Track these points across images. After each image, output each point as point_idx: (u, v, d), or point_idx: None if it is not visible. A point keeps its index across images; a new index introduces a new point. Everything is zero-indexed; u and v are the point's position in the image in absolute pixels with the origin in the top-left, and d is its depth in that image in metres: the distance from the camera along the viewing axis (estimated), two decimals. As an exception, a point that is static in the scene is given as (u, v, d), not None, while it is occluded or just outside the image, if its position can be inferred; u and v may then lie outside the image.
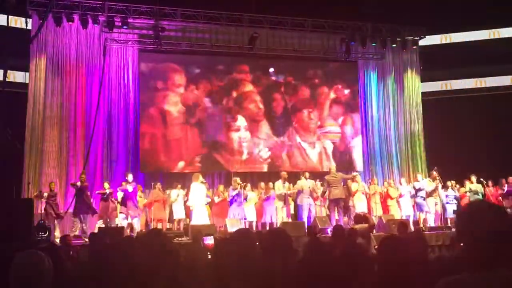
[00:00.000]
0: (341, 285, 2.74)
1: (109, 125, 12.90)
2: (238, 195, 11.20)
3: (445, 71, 15.98)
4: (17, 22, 12.41)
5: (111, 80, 13.06)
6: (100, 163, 12.62)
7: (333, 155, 14.56)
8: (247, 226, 10.81)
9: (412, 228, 10.10)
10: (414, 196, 12.38)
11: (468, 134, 14.37)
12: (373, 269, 2.73)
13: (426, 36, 15.49)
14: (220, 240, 6.49)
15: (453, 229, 10.88)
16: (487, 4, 14.17)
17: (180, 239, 9.75)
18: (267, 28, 14.02)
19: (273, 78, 14.58)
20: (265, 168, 13.93)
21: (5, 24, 10.93)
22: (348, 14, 14.18)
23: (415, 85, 15.59)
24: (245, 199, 11.50)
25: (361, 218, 8.42)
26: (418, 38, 15.45)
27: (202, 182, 11.02)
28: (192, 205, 10.85)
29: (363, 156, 14.87)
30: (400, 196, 12.53)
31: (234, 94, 14.11)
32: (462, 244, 1.57)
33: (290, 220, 11.73)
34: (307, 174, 12.00)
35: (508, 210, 10.25)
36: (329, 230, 9.85)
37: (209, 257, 4.25)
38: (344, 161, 14.56)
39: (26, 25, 11.84)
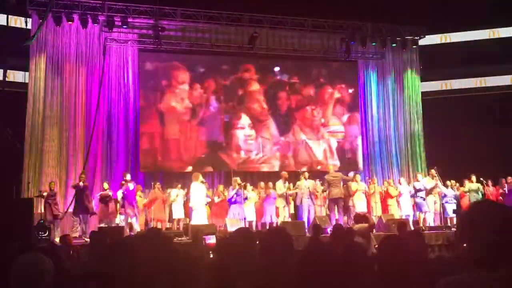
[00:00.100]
0: (341, 284, 2.74)
1: (109, 124, 12.89)
2: (237, 194, 11.19)
3: (445, 71, 15.98)
4: (17, 21, 12.40)
5: (111, 80, 13.06)
6: (100, 163, 12.61)
7: (337, 154, 14.59)
8: (247, 226, 10.81)
9: (412, 227, 10.11)
10: (413, 196, 12.38)
11: (467, 133, 14.36)
12: (373, 269, 2.73)
13: (426, 36, 15.50)
14: (221, 240, 6.49)
15: (453, 229, 10.92)
16: (487, 4, 14.16)
17: (180, 238, 9.75)
18: (267, 28, 14.01)
19: (278, 77, 14.59)
20: (276, 167, 13.90)
21: (5, 23, 10.94)
22: (348, 13, 14.17)
23: (415, 85, 15.60)
24: (245, 198, 11.51)
25: (361, 218, 8.42)
26: (418, 37, 15.46)
27: (202, 182, 11.02)
28: (193, 205, 10.84)
29: (363, 155, 14.88)
30: (400, 195, 12.53)
31: (238, 93, 14.12)
32: (465, 244, 1.57)
33: (290, 220, 11.73)
34: (306, 174, 11.99)
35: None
36: (329, 230, 9.84)
37: (211, 256, 4.24)
38: (348, 160, 14.62)
39: (26, 25, 11.83)
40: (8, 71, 10.44)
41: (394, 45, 15.09)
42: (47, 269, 2.19)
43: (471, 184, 12.30)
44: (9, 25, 11.08)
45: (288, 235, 2.84)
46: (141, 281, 2.49)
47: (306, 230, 10.64)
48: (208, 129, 13.73)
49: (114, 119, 12.94)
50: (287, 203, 11.86)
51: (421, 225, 11.83)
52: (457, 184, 12.74)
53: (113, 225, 10.87)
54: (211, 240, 6.84)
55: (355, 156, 14.80)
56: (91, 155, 12.34)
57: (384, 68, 15.44)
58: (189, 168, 13.13)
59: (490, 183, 12.59)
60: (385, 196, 12.57)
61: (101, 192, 11.18)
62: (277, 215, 11.76)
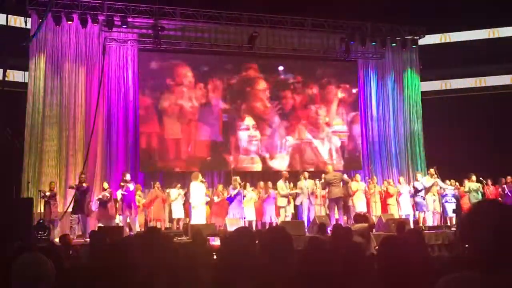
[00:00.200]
0: (341, 284, 2.74)
1: (109, 124, 12.89)
2: (238, 194, 11.20)
3: (444, 71, 15.99)
4: (17, 21, 12.40)
5: (111, 80, 13.05)
6: (100, 162, 12.60)
7: (341, 154, 14.64)
8: (246, 226, 10.81)
9: (412, 227, 10.09)
10: (413, 196, 12.38)
11: (467, 133, 14.37)
12: (373, 268, 2.73)
13: (426, 36, 15.50)
14: (221, 239, 6.50)
15: (453, 229, 10.92)
16: (487, 4, 14.16)
17: (179, 238, 9.75)
18: (267, 27, 14.01)
19: (282, 76, 14.61)
20: (282, 167, 13.85)
21: (5, 23, 10.94)
22: (348, 13, 14.17)
23: (414, 85, 15.60)
24: (243, 197, 11.50)
25: (360, 218, 8.42)
26: (418, 37, 15.46)
27: (201, 181, 11.01)
28: (193, 204, 10.83)
29: (362, 155, 14.89)
30: (399, 195, 12.54)
31: (242, 92, 14.13)
32: (466, 245, 1.56)
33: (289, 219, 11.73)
34: (306, 174, 12.00)
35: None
36: (328, 230, 9.83)
37: (215, 257, 4.22)
38: (352, 160, 14.65)
39: (26, 25, 11.83)
40: (7, 70, 10.44)
41: (393, 45, 15.10)
42: (48, 269, 2.18)
43: (471, 184, 12.29)
44: (8, 24, 11.10)
45: (288, 234, 2.84)
46: (141, 280, 2.49)
47: (306, 230, 10.64)
48: (209, 129, 13.72)
49: (113, 119, 12.93)
50: (288, 202, 11.86)
51: (421, 224, 11.83)
52: (457, 184, 12.73)
53: (112, 224, 10.86)
54: (215, 241, 6.84)
55: (359, 155, 14.82)
56: (91, 154, 12.33)
57: (383, 68, 15.44)
58: (190, 168, 13.11)
59: (489, 182, 12.59)
60: (385, 196, 12.57)
61: (100, 196, 11.09)
62: (277, 215, 11.77)
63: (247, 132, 14.00)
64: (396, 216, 11.78)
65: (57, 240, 8.91)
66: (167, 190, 12.09)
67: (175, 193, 11.80)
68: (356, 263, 2.94)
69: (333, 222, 10.75)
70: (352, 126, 14.94)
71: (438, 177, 12.24)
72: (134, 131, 13.15)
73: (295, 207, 12.05)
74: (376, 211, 12.09)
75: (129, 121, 13.11)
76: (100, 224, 10.73)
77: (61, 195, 11.68)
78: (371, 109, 15.21)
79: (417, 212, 12.40)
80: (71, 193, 11.30)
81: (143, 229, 11.03)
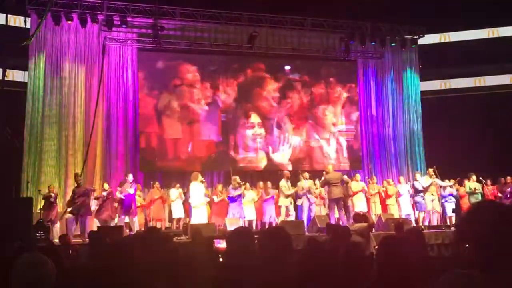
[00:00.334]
0: (341, 284, 2.74)
1: (108, 123, 12.88)
2: (239, 194, 11.21)
3: (444, 70, 15.99)
4: (16, 21, 12.40)
5: (110, 79, 13.05)
6: (99, 162, 12.60)
7: (348, 153, 14.70)
8: (246, 225, 10.82)
9: (412, 227, 10.09)
10: (413, 195, 12.39)
11: (467, 133, 14.37)
12: (372, 268, 2.74)
13: (425, 35, 15.50)
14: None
15: (452, 228, 10.93)
16: (486, 3, 14.16)
17: (179, 238, 9.76)
18: (267, 27, 14.01)
19: (290, 76, 14.63)
20: (289, 167, 13.88)
21: (4, 23, 10.95)
22: (348, 13, 14.17)
23: (414, 84, 15.60)
24: (243, 197, 11.51)
25: (360, 217, 8.41)
26: (417, 37, 15.46)
27: (201, 181, 11.01)
28: (193, 204, 10.83)
29: (362, 155, 14.90)
30: (399, 195, 12.55)
31: (248, 91, 14.15)
32: (466, 245, 1.57)
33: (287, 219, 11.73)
34: (306, 174, 12.01)
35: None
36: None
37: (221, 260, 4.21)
38: (352, 159, 14.70)
39: (25, 24, 11.83)
40: (7, 70, 10.44)
41: (393, 44, 15.09)
42: (48, 269, 2.19)
43: (471, 184, 12.30)
44: (8, 24, 11.10)
45: (287, 234, 2.84)
46: (141, 280, 2.49)
47: (306, 230, 10.65)
48: (209, 129, 13.72)
49: (113, 119, 12.92)
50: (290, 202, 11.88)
51: (421, 224, 11.84)
52: (457, 184, 12.72)
53: (112, 224, 10.85)
54: (221, 244, 6.85)
55: (362, 155, 14.88)
56: (90, 154, 12.33)
57: (383, 67, 15.44)
58: (190, 168, 13.11)
59: (489, 182, 12.59)
60: (385, 196, 12.58)
61: (97, 196, 11.08)
62: (278, 215, 11.77)
63: (251, 131, 14.01)
64: (396, 216, 11.79)
65: (56, 240, 8.92)
66: (166, 190, 12.09)
67: (175, 193, 11.80)
68: (355, 262, 2.94)
69: (333, 222, 10.76)
70: (351, 126, 14.94)
71: (437, 177, 12.25)
72: (134, 131, 13.15)
73: (295, 207, 12.06)
74: (376, 211, 12.10)
75: (129, 120, 13.11)
76: (99, 224, 10.72)
77: (60, 195, 11.68)
78: (371, 109, 15.22)
79: (417, 212, 12.42)
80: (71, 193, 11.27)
81: (143, 229, 11.03)
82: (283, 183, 11.68)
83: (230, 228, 9.94)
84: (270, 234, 2.96)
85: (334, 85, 14.95)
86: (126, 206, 10.87)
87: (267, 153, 14.03)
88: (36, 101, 12.14)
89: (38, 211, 10.53)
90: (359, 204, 11.92)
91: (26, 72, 12.23)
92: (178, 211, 11.74)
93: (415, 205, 12.40)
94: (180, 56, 13.84)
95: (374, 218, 11.20)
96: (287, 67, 14.59)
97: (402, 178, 13.18)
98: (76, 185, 10.65)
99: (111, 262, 2.70)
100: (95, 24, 12.64)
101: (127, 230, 10.60)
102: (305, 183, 11.69)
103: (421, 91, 15.67)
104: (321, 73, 14.94)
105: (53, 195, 10.59)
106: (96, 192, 11.23)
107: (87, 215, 10.73)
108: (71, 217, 10.43)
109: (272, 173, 13.43)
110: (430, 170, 12.50)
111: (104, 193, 10.89)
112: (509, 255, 1.49)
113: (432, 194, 12.25)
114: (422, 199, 12.21)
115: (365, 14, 14.30)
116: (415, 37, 15.41)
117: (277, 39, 14.36)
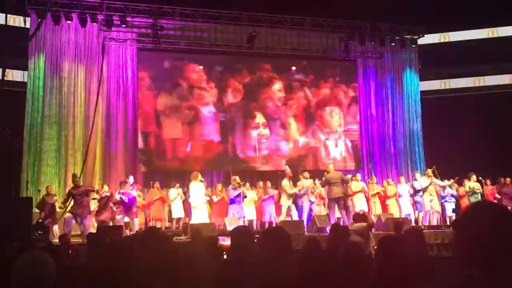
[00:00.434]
0: (340, 283, 2.74)
1: (108, 123, 12.88)
2: (238, 195, 11.21)
3: (444, 70, 15.99)
4: (16, 20, 12.39)
5: (110, 79, 13.05)
6: (99, 162, 12.60)
7: (353, 153, 14.73)
8: (246, 225, 10.81)
9: (411, 227, 10.09)
10: (413, 195, 12.40)
11: (467, 133, 14.37)
12: (372, 268, 2.74)
13: (425, 35, 15.50)
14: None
15: (451, 228, 10.93)
16: (486, 3, 14.17)
17: (179, 238, 9.75)
18: (266, 27, 14.01)
19: (295, 76, 14.67)
20: (293, 167, 13.85)
21: (4, 22, 10.94)
22: (347, 13, 14.18)
23: (413, 84, 15.61)
24: (244, 197, 11.51)
25: (359, 217, 8.42)
26: (417, 37, 15.46)
27: (201, 181, 11.01)
28: (193, 204, 10.83)
29: (362, 155, 14.91)
30: (399, 195, 12.55)
31: (254, 91, 14.17)
32: (464, 244, 1.57)
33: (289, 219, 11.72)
34: (306, 174, 12.00)
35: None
36: (328, 229, 9.85)
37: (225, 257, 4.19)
38: (355, 159, 14.74)
39: (25, 24, 11.82)
40: (6, 70, 10.42)
41: (393, 44, 15.09)
42: (48, 268, 2.19)
43: (471, 184, 12.31)
44: (8, 24, 11.09)
45: (287, 234, 2.84)
46: (141, 280, 2.49)
47: (305, 229, 10.65)
48: (209, 129, 13.72)
49: (113, 118, 12.92)
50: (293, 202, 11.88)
51: (421, 224, 11.85)
52: (456, 185, 12.72)
53: (111, 224, 10.83)
54: (226, 241, 6.85)
55: (362, 155, 14.89)
56: (90, 154, 12.33)
57: (383, 67, 15.45)
58: (191, 167, 13.11)
59: (488, 182, 12.60)
60: (384, 196, 12.58)
61: (96, 196, 11.06)
62: (278, 214, 11.76)
63: (256, 131, 14.03)
64: (396, 216, 11.79)
65: (56, 240, 8.92)
66: (167, 190, 12.09)
67: (174, 192, 11.80)
68: (355, 262, 2.94)
69: (333, 222, 10.76)
70: (355, 126, 14.95)
71: (437, 177, 12.25)
72: (134, 131, 13.15)
73: (297, 207, 12.04)
74: (376, 211, 12.10)
75: (129, 120, 13.11)
76: (97, 224, 10.70)
77: (60, 195, 11.67)
78: (370, 109, 15.22)
79: (416, 212, 12.42)
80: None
81: (143, 229, 11.02)
82: (286, 182, 11.62)
83: (230, 228, 9.94)
84: (270, 234, 2.97)
85: (339, 85, 14.98)
86: (127, 207, 10.86)
87: (269, 153, 14.03)
88: (35, 101, 12.14)
89: (37, 211, 10.52)
90: (359, 204, 11.91)
91: (26, 72, 12.23)
92: (178, 211, 11.73)
93: (415, 205, 12.41)
94: (180, 56, 13.83)
95: (374, 218, 11.20)
96: (293, 68, 14.61)
97: (402, 178, 13.18)
98: (73, 185, 10.61)
99: (110, 262, 2.70)
100: (95, 24, 12.64)
101: (127, 230, 10.59)
102: (305, 182, 11.68)
103: (421, 91, 15.67)
104: (326, 73, 14.98)
105: (55, 198, 10.63)
106: (97, 193, 11.20)
107: (88, 215, 10.71)
108: (70, 217, 10.41)
109: (272, 173, 13.43)
110: (429, 170, 12.51)
111: (108, 193, 10.88)
112: (509, 254, 1.49)
113: (431, 194, 12.24)
114: (421, 199, 12.22)
115: (365, 14, 14.30)
116: (414, 37, 15.41)
117: (276, 39, 14.36)
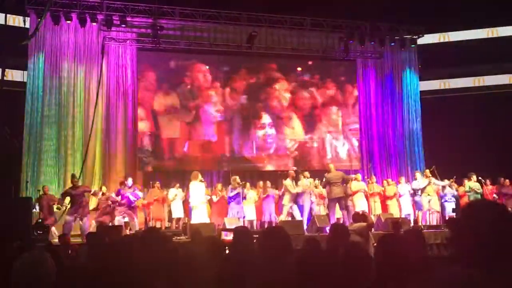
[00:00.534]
0: (340, 283, 2.74)
1: (107, 123, 12.88)
2: (237, 195, 11.20)
3: (443, 70, 15.98)
4: (15, 20, 12.39)
5: (110, 79, 13.05)
6: (99, 162, 12.60)
7: (359, 153, 14.80)
8: (246, 225, 10.81)
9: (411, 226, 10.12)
10: (413, 195, 12.41)
11: (466, 133, 14.37)
12: (371, 268, 2.74)
13: (425, 35, 15.50)
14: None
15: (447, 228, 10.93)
16: (486, 3, 14.17)
17: (178, 238, 9.75)
18: (266, 27, 14.02)
19: (300, 76, 14.70)
20: (296, 167, 13.89)
21: (4, 22, 10.93)
22: (347, 13, 14.18)
23: (413, 84, 15.61)
24: (244, 197, 11.50)
25: (359, 217, 8.42)
26: (417, 36, 15.46)
27: (200, 181, 11.01)
28: (193, 204, 10.83)
29: (362, 155, 14.91)
30: (400, 195, 12.56)
31: (259, 91, 14.18)
32: (463, 243, 1.57)
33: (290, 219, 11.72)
34: (306, 174, 11.99)
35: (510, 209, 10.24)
36: (327, 229, 9.84)
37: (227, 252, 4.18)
38: (360, 159, 14.78)
39: (24, 24, 11.82)
40: (6, 70, 10.42)
41: (392, 44, 15.10)
42: (48, 267, 2.19)
43: (471, 184, 12.31)
44: (7, 24, 11.09)
45: (287, 234, 2.85)
46: (140, 280, 2.49)
47: (305, 229, 10.65)
48: (208, 129, 13.72)
49: (112, 118, 12.92)
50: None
51: (420, 223, 11.85)
52: (456, 184, 12.72)
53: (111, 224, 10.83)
54: (228, 236, 6.87)
55: (362, 154, 14.90)
56: (90, 154, 12.33)
57: (382, 67, 15.45)
58: (191, 167, 13.11)
59: (488, 182, 12.60)
60: (384, 196, 12.59)
61: (104, 197, 11.06)
62: (278, 214, 11.75)
63: (262, 131, 14.04)
64: (396, 216, 11.78)
65: (55, 240, 8.92)
66: (167, 190, 12.08)
67: (173, 192, 11.79)
68: (355, 262, 2.94)
69: (333, 222, 10.75)
70: (351, 126, 14.95)
71: (436, 177, 12.25)
72: (133, 131, 13.14)
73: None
74: (376, 211, 12.11)
75: (128, 120, 13.10)
76: (96, 224, 10.69)
77: (59, 194, 11.65)
78: (370, 109, 15.23)
79: (416, 212, 12.43)
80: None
81: (142, 229, 11.01)
82: (289, 182, 11.57)
83: (229, 228, 9.94)
84: (270, 234, 2.97)
85: (344, 85, 14.99)
86: (127, 205, 10.87)
87: (275, 153, 14.05)
88: (35, 101, 12.14)
89: (37, 211, 10.52)
90: (359, 204, 11.91)
91: (25, 72, 12.23)
92: (177, 211, 11.73)
93: (415, 205, 12.42)
94: (181, 56, 13.83)
95: (373, 218, 11.21)
96: (299, 68, 14.62)
97: (403, 179, 13.18)
98: (71, 186, 10.60)
99: (110, 262, 2.70)
100: (95, 24, 12.64)
101: (127, 230, 10.59)
102: (305, 182, 11.67)
103: (420, 91, 15.67)
104: (331, 73, 14.99)
105: (55, 205, 10.65)
106: (94, 195, 11.20)
107: (87, 214, 10.71)
108: (70, 217, 10.41)
109: (272, 173, 13.42)
110: (427, 170, 12.52)
111: (113, 194, 10.89)
112: (508, 254, 1.49)
113: (429, 194, 12.24)
114: (421, 199, 12.23)
115: (364, 14, 14.30)
116: (414, 37, 15.42)
117: (276, 39, 14.37)
